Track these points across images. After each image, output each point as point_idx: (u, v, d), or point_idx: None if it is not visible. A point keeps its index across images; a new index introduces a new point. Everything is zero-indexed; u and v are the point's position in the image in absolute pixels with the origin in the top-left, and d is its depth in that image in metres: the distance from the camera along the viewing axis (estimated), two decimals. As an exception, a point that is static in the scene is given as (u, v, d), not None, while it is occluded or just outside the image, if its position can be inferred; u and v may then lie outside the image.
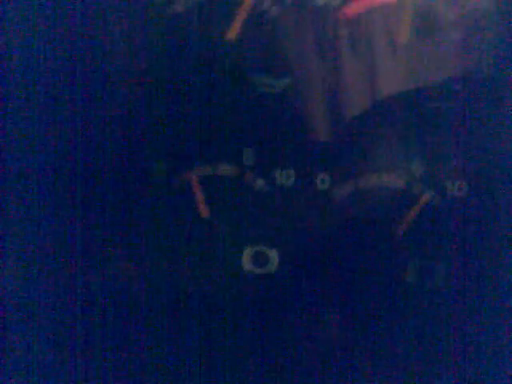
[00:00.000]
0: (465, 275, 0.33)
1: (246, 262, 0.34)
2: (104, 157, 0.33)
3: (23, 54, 0.31)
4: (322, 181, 0.33)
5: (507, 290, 0.33)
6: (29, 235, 0.33)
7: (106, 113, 0.32)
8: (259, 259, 0.34)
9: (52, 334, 0.34)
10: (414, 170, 0.32)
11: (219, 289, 0.34)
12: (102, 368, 0.34)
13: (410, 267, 0.33)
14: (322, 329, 0.34)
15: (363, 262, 0.33)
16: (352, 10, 0.32)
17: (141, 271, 0.33)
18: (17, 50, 0.31)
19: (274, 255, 0.34)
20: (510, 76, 0.32)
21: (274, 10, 0.32)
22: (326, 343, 0.34)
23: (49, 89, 0.31)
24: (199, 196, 0.33)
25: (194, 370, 0.34)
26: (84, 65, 0.31)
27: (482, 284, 0.33)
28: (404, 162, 0.33)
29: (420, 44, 0.32)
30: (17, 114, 0.31)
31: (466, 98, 0.32)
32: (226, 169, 0.33)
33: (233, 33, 0.32)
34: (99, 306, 0.33)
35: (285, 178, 0.33)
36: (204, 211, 0.33)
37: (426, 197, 0.32)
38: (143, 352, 0.34)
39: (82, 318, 0.33)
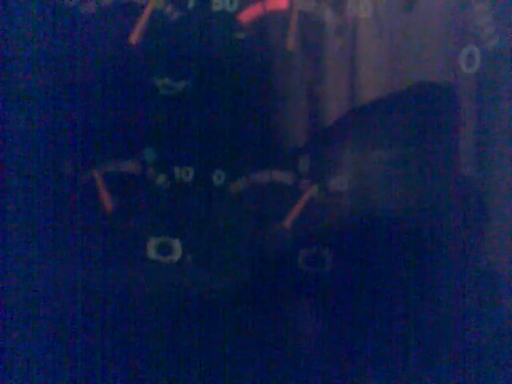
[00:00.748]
0: (350, 261, 0.36)
1: (151, 251, 0.37)
2: (14, 155, 0.35)
3: None
4: (218, 177, 0.36)
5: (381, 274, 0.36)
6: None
7: (13, 113, 0.34)
8: (163, 249, 0.37)
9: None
10: (301, 167, 0.35)
11: (126, 277, 0.37)
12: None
13: (301, 255, 0.36)
14: (222, 313, 0.37)
15: (257, 252, 0.36)
16: (247, 16, 0.34)
17: (49, 265, 0.36)
18: None
19: (177, 245, 0.37)
20: (388, 79, 0.35)
21: (176, 15, 0.34)
22: (221, 329, 0.37)
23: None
24: (103, 192, 0.36)
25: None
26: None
27: (359, 269, 0.36)
28: (292, 159, 0.35)
29: (306, 50, 0.34)
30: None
31: (349, 99, 0.35)
32: (128, 166, 0.36)
33: (135, 36, 0.34)
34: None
35: (184, 174, 0.36)
36: (108, 206, 0.36)
37: (311, 191, 0.35)
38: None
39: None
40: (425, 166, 0.34)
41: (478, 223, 0.35)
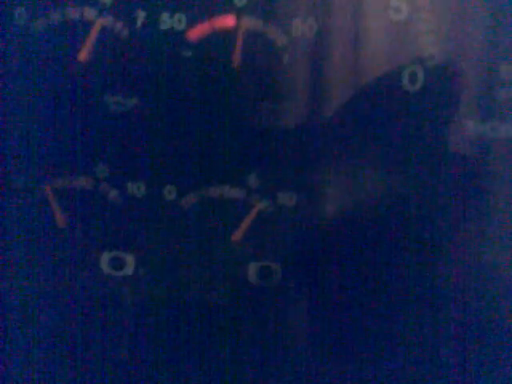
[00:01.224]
0: (299, 273, 0.37)
1: (105, 266, 0.37)
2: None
3: None
4: (169, 192, 0.36)
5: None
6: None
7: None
8: (117, 263, 0.37)
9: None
10: (251, 183, 0.36)
11: (81, 290, 0.37)
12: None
13: (250, 269, 0.37)
14: (173, 326, 0.38)
15: (208, 266, 0.37)
16: (194, 34, 0.35)
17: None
18: None
19: (130, 259, 0.37)
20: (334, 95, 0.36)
21: (124, 33, 0.35)
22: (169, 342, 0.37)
23: None
24: (55, 207, 0.36)
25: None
26: None
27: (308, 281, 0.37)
28: (241, 175, 0.36)
29: (252, 68, 0.35)
30: None
31: (295, 117, 0.36)
32: (81, 181, 0.36)
33: (84, 54, 0.35)
34: None
35: (136, 189, 0.36)
36: (61, 221, 0.36)
37: (260, 206, 0.36)
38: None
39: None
40: (370, 182, 0.36)
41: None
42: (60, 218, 0.36)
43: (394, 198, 0.35)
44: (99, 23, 0.34)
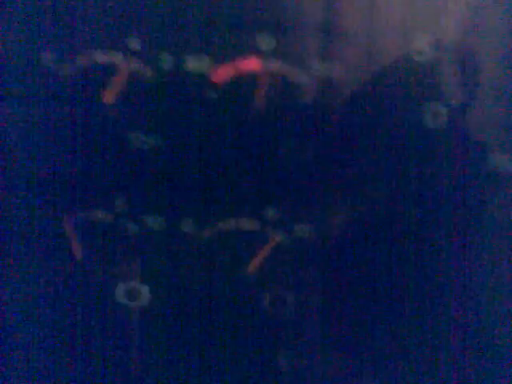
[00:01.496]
0: (312, 303, 0.39)
1: (119, 296, 0.38)
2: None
3: None
4: (187, 225, 0.37)
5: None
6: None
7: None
8: (131, 294, 0.38)
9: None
10: (265, 216, 0.38)
11: (95, 320, 0.38)
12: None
13: (265, 299, 0.38)
14: (189, 356, 0.38)
15: (223, 297, 0.38)
16: (219, 76, 0.36)
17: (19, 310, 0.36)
18: None
19: (145, 291, 0.38)
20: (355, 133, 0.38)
21: (150, 75, 0.36)
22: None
23: None
24: (73, 239, 0.36)
25: None
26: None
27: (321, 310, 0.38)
28: (259, 208, 0.38)
29: (275, 109, 0.37)
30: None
31: (316, 157, 0.37)
32: (100, 215, 0.37)
33: (110, 96, 0.36)
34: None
35: (154, 222, 0.37)
36: (78, 254, 0.37)
37: (276, 238, 0.38)
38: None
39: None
40: (391, 221, 0.38)
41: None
42: (77, 251, 0.37)
43: (414, 239, 0.37)
44: (126, 66, 0.35)
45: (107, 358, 0.38)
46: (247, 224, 0.38)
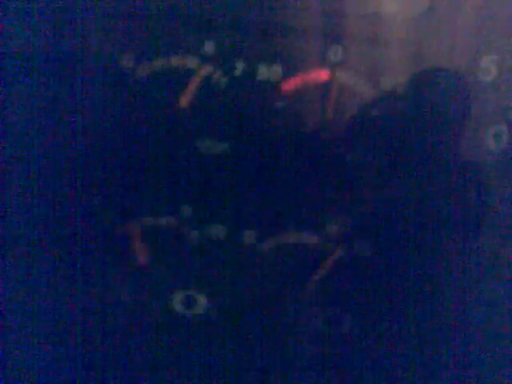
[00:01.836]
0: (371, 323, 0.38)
1: (177, 303, 0.38)
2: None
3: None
4: (249, 236, 0.38)
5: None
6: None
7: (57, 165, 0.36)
8: (188, 302, 0.38)
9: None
10: (328, 230, 0.38)
11: (152, 327, 0.38)
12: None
13: (321, 316, 0.38)
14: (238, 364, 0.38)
15: (282, 311, 0.38)
16: (289, 85, 0.37)
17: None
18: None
19: (202, 299, 0.38)
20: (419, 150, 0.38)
21: (223, 82, 0.37)
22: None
23: None
24: (138, 244, 0.37)
25: None
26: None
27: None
28: (320, 221, 0.38)
29: (343, 121, 0.37)
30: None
31: (382, 170, 0.38)
32: (165, 221, 0.37)
33: (185, 100, 0.36)
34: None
35: (216, 231, 0.38)
36: (141, 259, 0.37)
37: (336, 254, 0.38)
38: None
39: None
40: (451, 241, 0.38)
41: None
42: (141, 256, 0.37)
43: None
44: (201, 71, 0.36)
45: (159, 362, 0.38)
46: (308, 238, 0.38)
